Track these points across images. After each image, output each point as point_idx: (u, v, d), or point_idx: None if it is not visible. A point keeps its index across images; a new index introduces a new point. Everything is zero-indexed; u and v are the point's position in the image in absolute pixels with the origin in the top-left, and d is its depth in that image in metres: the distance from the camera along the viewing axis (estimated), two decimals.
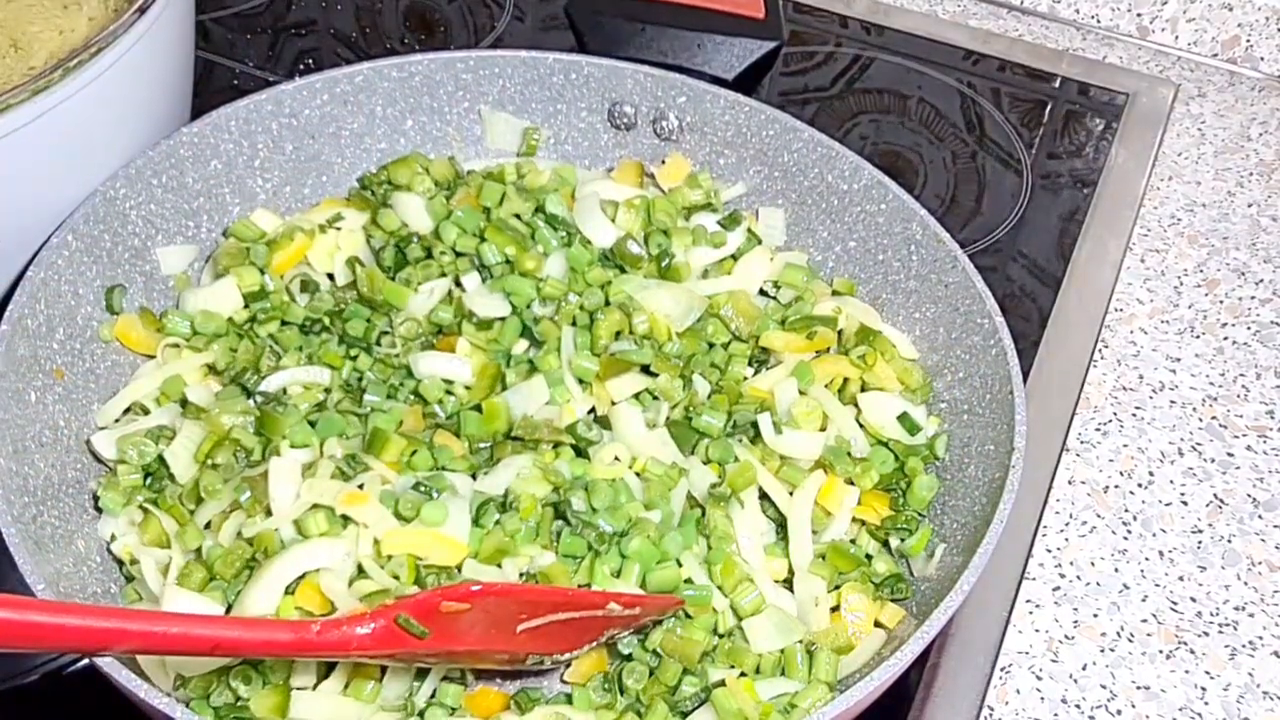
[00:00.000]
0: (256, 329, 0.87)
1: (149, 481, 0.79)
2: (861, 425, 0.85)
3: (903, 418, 0.84)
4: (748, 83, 1.16)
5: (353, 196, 0.98)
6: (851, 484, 0.82)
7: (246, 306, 0.88)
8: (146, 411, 0.83)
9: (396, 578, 0.72)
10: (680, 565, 0.76)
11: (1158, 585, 0.86)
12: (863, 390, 0.87)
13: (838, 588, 0.78)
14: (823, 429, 0.84)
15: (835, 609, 0.77)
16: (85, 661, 0.72)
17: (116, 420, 0.82)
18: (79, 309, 0.82)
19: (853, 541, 0.81)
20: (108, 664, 0.63)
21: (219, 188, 0.93)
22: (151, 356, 0.86)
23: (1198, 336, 1.03)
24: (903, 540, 0.80)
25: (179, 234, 0.91)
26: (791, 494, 0.80)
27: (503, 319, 0.87)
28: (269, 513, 0.75)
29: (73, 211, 0.82)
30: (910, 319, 0.91)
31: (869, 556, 0.80)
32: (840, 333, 0.90)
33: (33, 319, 0.78)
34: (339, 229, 0.93)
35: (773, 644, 0.74)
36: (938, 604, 0.68)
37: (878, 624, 0.77)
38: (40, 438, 0.76)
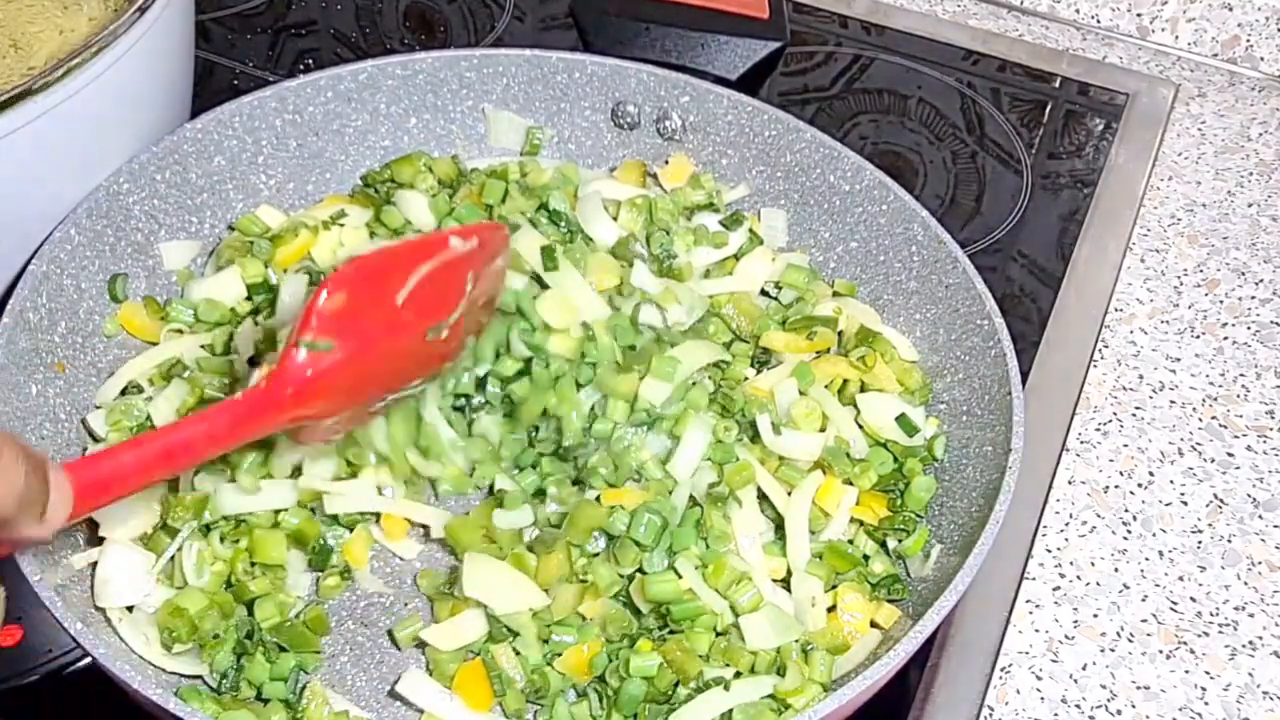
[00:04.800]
0: (259, 321, 0.87)
1: None
2: (860, 426, 0.85)
3: (901, 419, 0.84)
4: (751, 83, 1.16)
5: (356, 194, 0.98)
6: (850, 484, 0.82)
7: (249, 298, 0.88)
8: (142, 390, 0.83)
9: None
10: (680, 576, 0.76)
11: (1158, 585, 0.86)
12: (862, 391, 0.87)
13: (834, 588, 0.78)
14: (822, 429, 0.84)
15: (832, 609, 0.77)
16: (85, 661, 0.72)
17: (114, 401, 0.83)
18: (81, 303, 0.82)
19: (850, 542, 0.81)
20: (104, 656, 0.63)
21: (222, 184, 0.93)
22: (154, 344, 0.86)
23: (1198, 336, 1.03)
24: (900, 541, 0.80)
25: (182, 229, 0.91)
26: (790, 494, 0.80)
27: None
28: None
29: (76, 206, 0.82)
30: (910, 320, 0.91)
31: (866, 557, 0.80)
32: (840, 334, 0.90)
33: (34, 312, 0.78)
34: (342, 226, 0.93)
35: (769, 642, 0.74)
36: (933, 605, 0.68)
37: (873, 624, 0.77)
38: (41, 430, 0.77)
